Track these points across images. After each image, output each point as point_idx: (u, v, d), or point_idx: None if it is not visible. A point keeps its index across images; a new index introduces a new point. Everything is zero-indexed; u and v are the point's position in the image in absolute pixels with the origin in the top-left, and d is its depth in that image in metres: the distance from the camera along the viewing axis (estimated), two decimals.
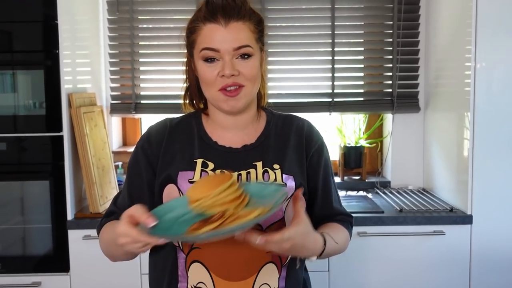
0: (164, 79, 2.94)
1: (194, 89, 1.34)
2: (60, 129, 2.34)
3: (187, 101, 1.39)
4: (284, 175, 1.26)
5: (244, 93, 1.24)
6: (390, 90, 2.93)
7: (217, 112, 1.31)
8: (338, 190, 1.43)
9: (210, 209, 1.01)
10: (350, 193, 2.86)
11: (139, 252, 1.07)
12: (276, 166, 1.27)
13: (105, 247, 1.27)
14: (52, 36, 2.32)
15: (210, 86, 1.24)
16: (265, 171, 1.25)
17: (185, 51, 1.34)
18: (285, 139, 1.34)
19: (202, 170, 1.24)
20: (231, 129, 1.33)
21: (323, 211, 1.36)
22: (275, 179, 1.25)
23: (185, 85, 1.38)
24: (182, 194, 1.21)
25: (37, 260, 2.41)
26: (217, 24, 1.21)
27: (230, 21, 1.21)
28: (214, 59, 1.22)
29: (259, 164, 1.26)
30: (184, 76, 1.38)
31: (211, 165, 1.25)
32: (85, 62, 2.69)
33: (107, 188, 2.54)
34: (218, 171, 1.23)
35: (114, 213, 1.32)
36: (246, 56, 1.23)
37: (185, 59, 1.36)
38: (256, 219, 0.97)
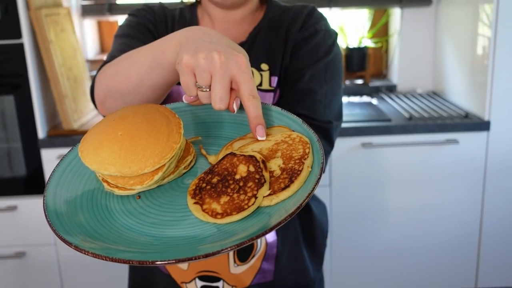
0: None
1: None
2: (19, 35, 2.03)
3: None
4: (272, 77, 1.02)
5: None
6: None
7: (207, 3, 1.07)
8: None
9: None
10: (352, 98, 2.59)
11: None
12: (264, 66, 1.02)
13: (139, 71, 0.82)
14: None
15: None
16: None
17: None
18: (278, 30, 1.05)
19: None
20: (221, 23, 1.08)
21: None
22: (261, 83, 1.01)
23: None
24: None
25: (10, 182, 2.20)
26: None
27: None
28: None
29: None
30: None
31: None
32: None
33: (81, 101, 2.27)
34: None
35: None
36: None
37: None
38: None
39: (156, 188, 0.68)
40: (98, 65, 2.61)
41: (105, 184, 0.67)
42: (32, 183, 2.19)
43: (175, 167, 0.68)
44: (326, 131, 0.99)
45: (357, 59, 2.69)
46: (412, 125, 2.11)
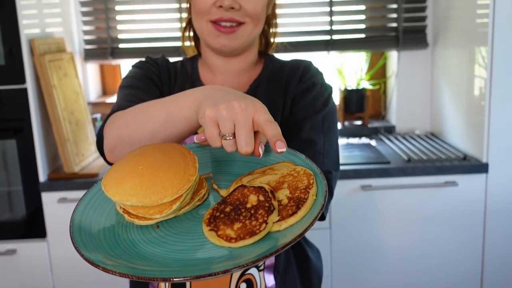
0: (144, 19, 2.63)
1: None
2: (23, 80, 2.07)
3: (187, 41, 1.19)
4: None
5: (242, 32, 1.03)
6: (395, 24, 2.63)
7: (207, 51, 1.10)
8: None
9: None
10: (351, 140, 2.61)
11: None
12: None
13: (153, 124, 0.83)
14: None
15: (201, 15, 1.03)
16: None
17: None
18: (278, 84, 1.10)
19: None
20: (221, 73, 1.12)
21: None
22: None
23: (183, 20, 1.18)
24: None
25: (10, 226, 2.20)
26: None
27: None
28: None
29: None
30: (186, 5, 1.16)
31: None
32: (51, 3, 2.38)
33: (83, 144, 2.29)
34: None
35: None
36: None
37: None
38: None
39: (173, 219, 0.73)
40: (100, 108, 2.65)
41: (125, 215, 0.72)
42: (32, 226, 2.18)
43: (190, 199, 0.73)
44: (327, 181, 1.00)
45: (356, 100, 2.72)
46: (411, 168, 2.12)
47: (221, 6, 1.00)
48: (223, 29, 1.02)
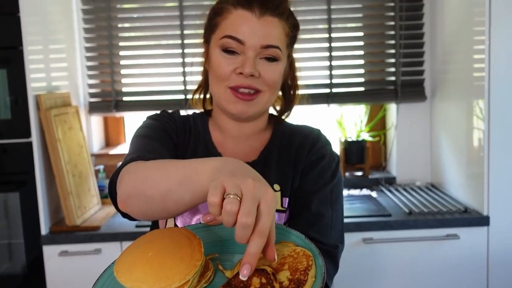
0: (147, 73, 2.70)
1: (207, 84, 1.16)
2: (28, 134, 2.10)
3: (197, 96, 1.22)
4: (284, 198, 1.07)
5: (259, 100, 1.06)
6: (393, 78, 2.69)
7: (220, 113, 1.13)
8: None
9: None
10: (352, 191, 2.62)
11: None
12: (276, 187, 1.08)
13: (168, 183, 0.83)
14: (15, 31, 2.07)
15: (221, 81, 1.05)
16: None
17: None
18: (288, 153, 1.13)
19: None
20: (232, 137, 1.14)
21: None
22: None
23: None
24: None
25: (10, 279, 2.19)
26: (251, 12, 1.01)
27: (266, 14, 1.02)
28: (234, 52, 1.03)
29: None
30: (200, 68, 1.20)
31: None
32: (57, 58, 2.44)
33: (85, 197, 2.30)
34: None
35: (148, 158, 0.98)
36: (272, 59, 1.03)
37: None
38: None
39: None
40: (103, 159, 2.67)
41: None
42: (32, 279, 2.17)
43: (197, 281, 0.77)
44: (333, 255, 1.04)
45: (356, 151, 2.75)
46: (412, 221, 2.13)
47: (241, 73, 1.02)
48: (241, 96, 1.04)
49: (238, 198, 0.68)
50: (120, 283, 0.75)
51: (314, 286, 0.71)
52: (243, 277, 0.70)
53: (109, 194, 0.99)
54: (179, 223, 1.06)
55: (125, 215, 0.96)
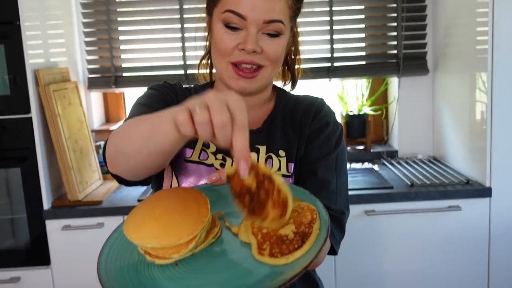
0: (147, 48, 2.67)
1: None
2: (28, 110, 2.09)
3: (204, 70, 1.21)
4: (289, 164, 1.07)
5: (262, 75, 1.05)
6: (395, 51, 2.67)
7: (224, 86, 1.11)
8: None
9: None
10: (354, 165, 2.62)
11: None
12: (282, 152, 1.08)
13: (138, 138, 0.82)
14: (12, 6, 2.04)
15: (222, 56, 1.04)
16: (268, 157, 1.07)
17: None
18: (292, 121, 1.13)
19: (202, 149, 1.08)
20: None
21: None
22: (279, 168, 1.07)
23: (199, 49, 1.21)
24: (174, 174, 1.06)
25: (14, 253, 2.20)
26: None
27: None
28: (236, 28, 1.01)
29: (263, 149, 1.09)
30: (205, 43, 1.18)
31: (212, 147, 1.08)
32: (55, 33, 2.42)
33: (86, 172, 2.30)
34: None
35: None
36: (274, 34, 1.02)
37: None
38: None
39: (190, 256, 0.78)
40: (104, 135, 2.67)
41: (146, 256, 0.78)
42: (36, 254, 2.19)
43: (205, 237, 0.79)
44: (340, 220, 1.05)
45: (358, 126, 2.74)
46: (414, 192, 2.12)
47: (243, 49, 1.01)
48: (243, 73, 1.03)
49: (206, 108, 0.66)
50: (130, 240, 0.76)
51: (318, 239, 0.72)
52: (243, 173, 0.69)
53: (103, 160, 0.98)
54: None
55: (120, 180, 0.96)
